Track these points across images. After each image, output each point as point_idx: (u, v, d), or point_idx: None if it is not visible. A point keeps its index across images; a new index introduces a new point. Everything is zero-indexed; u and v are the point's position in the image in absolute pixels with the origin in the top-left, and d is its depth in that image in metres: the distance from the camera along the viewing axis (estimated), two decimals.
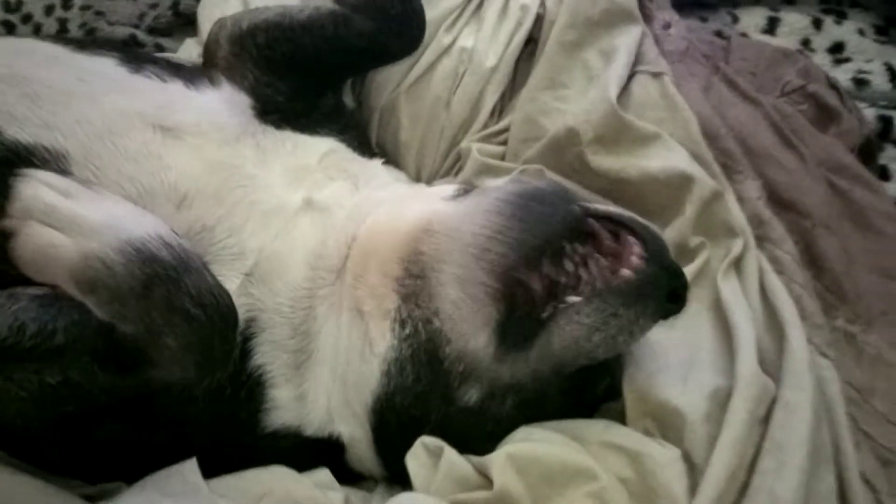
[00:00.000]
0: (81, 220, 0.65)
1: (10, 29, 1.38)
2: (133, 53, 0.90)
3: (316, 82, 0.93)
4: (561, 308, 0.68)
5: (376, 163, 0.94)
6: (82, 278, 0.64)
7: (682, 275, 0.72)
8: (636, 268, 0.68)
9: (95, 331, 0.64)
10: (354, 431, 0.76)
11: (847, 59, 1.28)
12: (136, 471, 0.71)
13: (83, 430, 0.70)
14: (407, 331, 0.72)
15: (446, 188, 0.84)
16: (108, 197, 0.70)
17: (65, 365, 0.63)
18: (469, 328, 0.69)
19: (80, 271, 0.64)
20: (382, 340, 0.73)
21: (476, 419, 0.72)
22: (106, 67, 0.82)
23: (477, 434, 0.73)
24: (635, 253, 0.69)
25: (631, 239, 0.70)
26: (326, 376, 0.76)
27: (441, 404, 0.72)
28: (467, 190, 0.82)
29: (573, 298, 0.68)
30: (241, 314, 0.73)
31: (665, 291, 0.69)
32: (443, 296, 0.70)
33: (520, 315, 0.69)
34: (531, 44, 1.07)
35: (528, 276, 0.68)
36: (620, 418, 0.76)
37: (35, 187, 0.67)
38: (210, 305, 0.65)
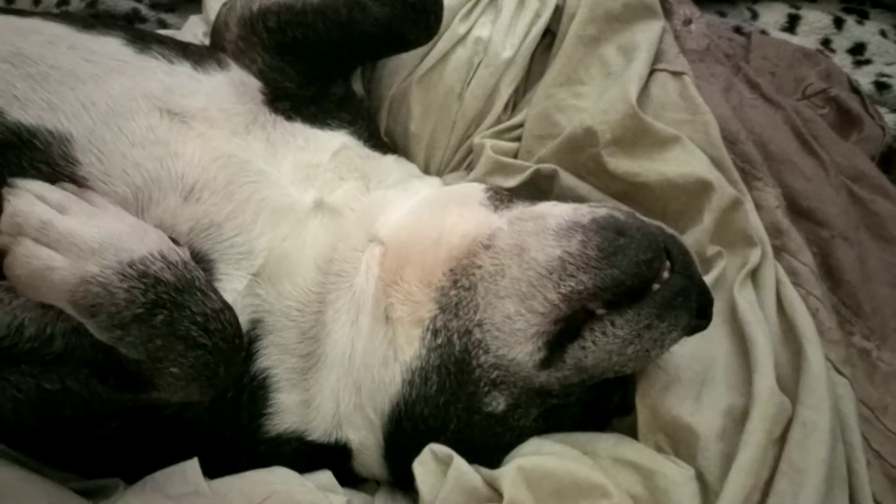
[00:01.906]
0: (79, 239, 0.60)
1: None
2: (140, 33, 0.86)
3: (328, 69, 0.90)
4: (596, 316, 0.68)
5: (389, 158, 0.91)
6: (81, 303, 0.59)
7: (708, 291, 0.72)
8: (667, 280, 0.67)
9: (95, 342, 0.61)
10: (365, 438, 0.75)
11: (868, 61, 1.25)
12: (133, 467, 0.70)
13: (80, 428, 0.69)
14: (439, 340, 0.71)
15: (474, 190, 0.82)
16: (108, 210, 0.65)
17: (63, 374, 0.61)
18: (517, 339, 0.68)
19: (78, 295, 0.58)
20: (410, 348, 0.72)
21: (496, 427, 0.72)
22: (112, 48, 0.79)
23: (493, 442, 0.72)
24: (665, 267, 0.68)
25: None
26: (336, 382, 0.75)
27: (463, 412, 0.71)
28: (498, 193, 0.80)
29: (601, 311, 0.68)
30: (247, 315, 0.72)
31: (695, 303, 0.68)
32: (495, 307, 0.69)
33: (568, 328, 0.68)
34: (548, 35, 1.04)
35: (593, 300, 0.68)
36: (631, 433, 0.75)
37: (28, 201, 0.62)
38: (216, 331, 0.62)
